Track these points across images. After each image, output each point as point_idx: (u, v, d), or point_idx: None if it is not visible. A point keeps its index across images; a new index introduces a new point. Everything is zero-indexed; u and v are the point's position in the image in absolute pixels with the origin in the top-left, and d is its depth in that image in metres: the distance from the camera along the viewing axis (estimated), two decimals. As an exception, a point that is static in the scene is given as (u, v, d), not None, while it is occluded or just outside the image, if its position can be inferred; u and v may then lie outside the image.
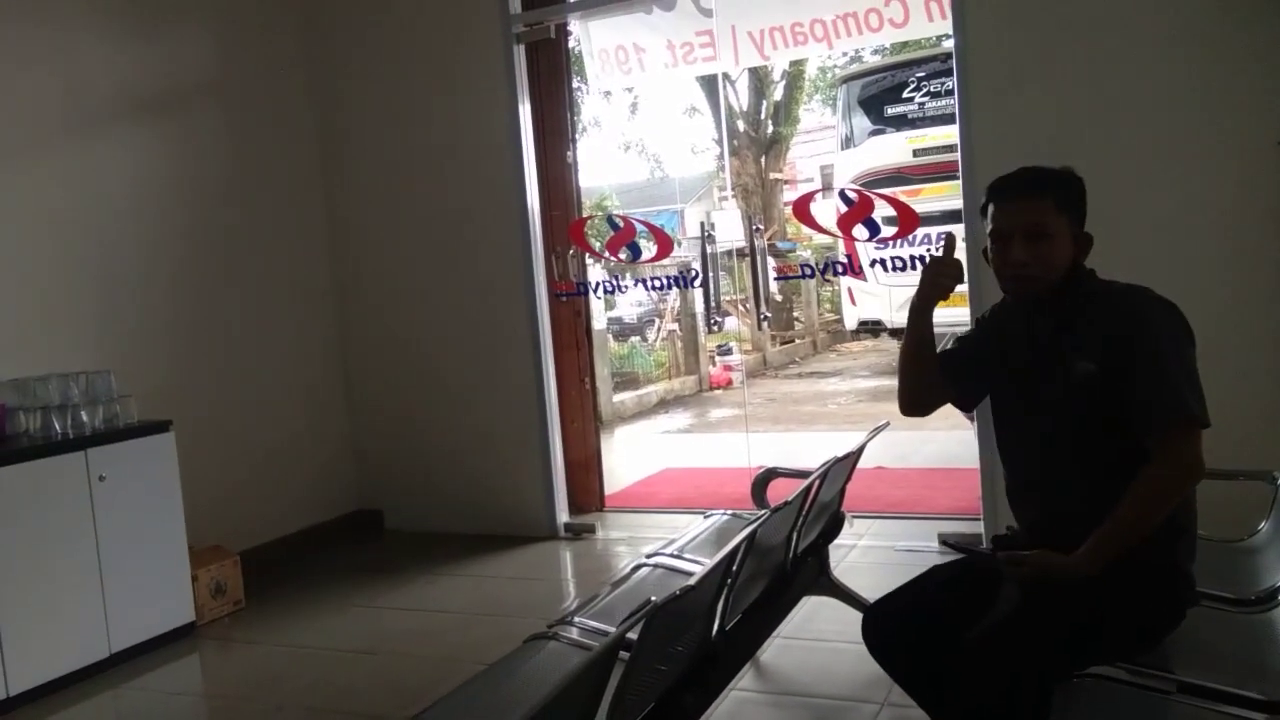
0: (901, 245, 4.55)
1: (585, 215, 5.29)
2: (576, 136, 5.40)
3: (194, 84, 4.69)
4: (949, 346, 2.32)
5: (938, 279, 2.17)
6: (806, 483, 2.73)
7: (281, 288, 5.05)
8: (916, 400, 2.28)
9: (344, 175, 5.30)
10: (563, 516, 5.04)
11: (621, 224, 4.87)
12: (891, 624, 2.13)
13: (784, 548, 2.85)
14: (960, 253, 4.20)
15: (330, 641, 3.80)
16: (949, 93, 9.97)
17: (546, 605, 3.88)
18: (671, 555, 2.98)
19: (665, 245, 4.93)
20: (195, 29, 4.70)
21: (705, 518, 3.46)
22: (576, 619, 2.49)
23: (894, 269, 4.37)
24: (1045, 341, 2.06)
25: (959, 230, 4.29)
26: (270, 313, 4.97)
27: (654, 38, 5.64)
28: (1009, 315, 2.19)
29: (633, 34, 5.59)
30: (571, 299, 5.15)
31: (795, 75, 16.68)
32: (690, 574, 2.84)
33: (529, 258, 4.94)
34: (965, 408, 2.35)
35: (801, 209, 4.59)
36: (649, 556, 2.99)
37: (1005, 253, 2.03)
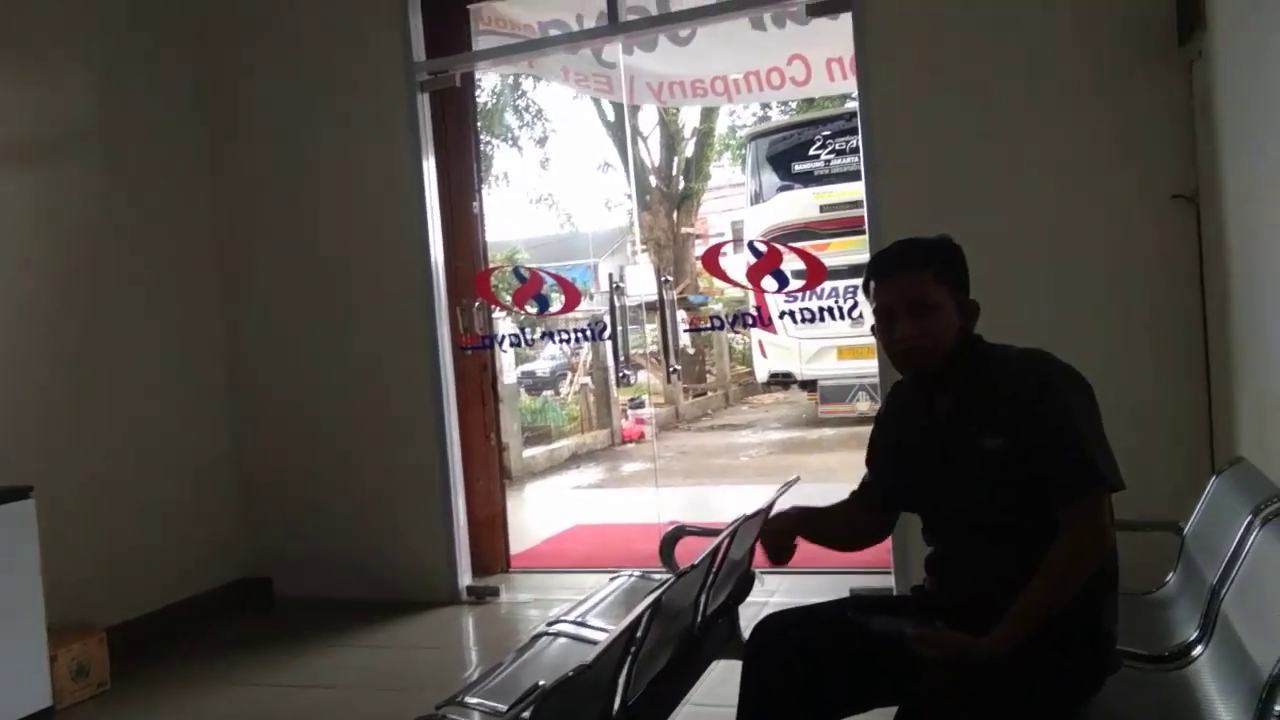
0: (810, 298, 4.53)
1: (492, 267, 5.15)
2: (483, 186, 5.29)
3: (75, 126, 4.42)
4: (865, 476, 2.29)
5: (769, 540, 2.19)
6: (715, 542, 2.60)
7: (166, 340, 4.76)
8: (857, 544, 2.31)
9: (239, 224, 5.06)
10: (465, 579, 4.81)
11: (528, 275, 4.75)
12: (778, 653, 2.08)
13: (692, 611, 2.71)
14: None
15: (205, 724, 3.50)
16: (854, 150, 10.23)
17: (444, 677, 3.65)
18: (574, 622, 2.81)
19: (573, 297, 4.83)
20: (79, 69, 4.45)
21: (612, 580, 3.30)
22: (469, 698, 2.31)
23: (803, 320, 4.35)
24: (948, 419, 2.02)
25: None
26: (152, 367, 4.66)
27: (548, 61, 5.61)
28: (908, 396, 2.16)
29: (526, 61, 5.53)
30: (477, 352, 4.99)
31: (706, 132, 16.99)
32: (594, 642, 2.69)
33: (432, 310, 4.76)
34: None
35: (710, 260, 4.57)
36: (550, 624, 2.81)
37: (892, 329, 2.00)
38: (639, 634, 2.18)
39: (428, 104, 4.76)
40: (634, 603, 2.57)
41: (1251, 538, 2.09)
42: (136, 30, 4.74)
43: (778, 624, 2.14)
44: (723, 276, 4.45)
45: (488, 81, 16.03)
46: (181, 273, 4.89)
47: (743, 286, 4.41)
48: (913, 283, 1.98)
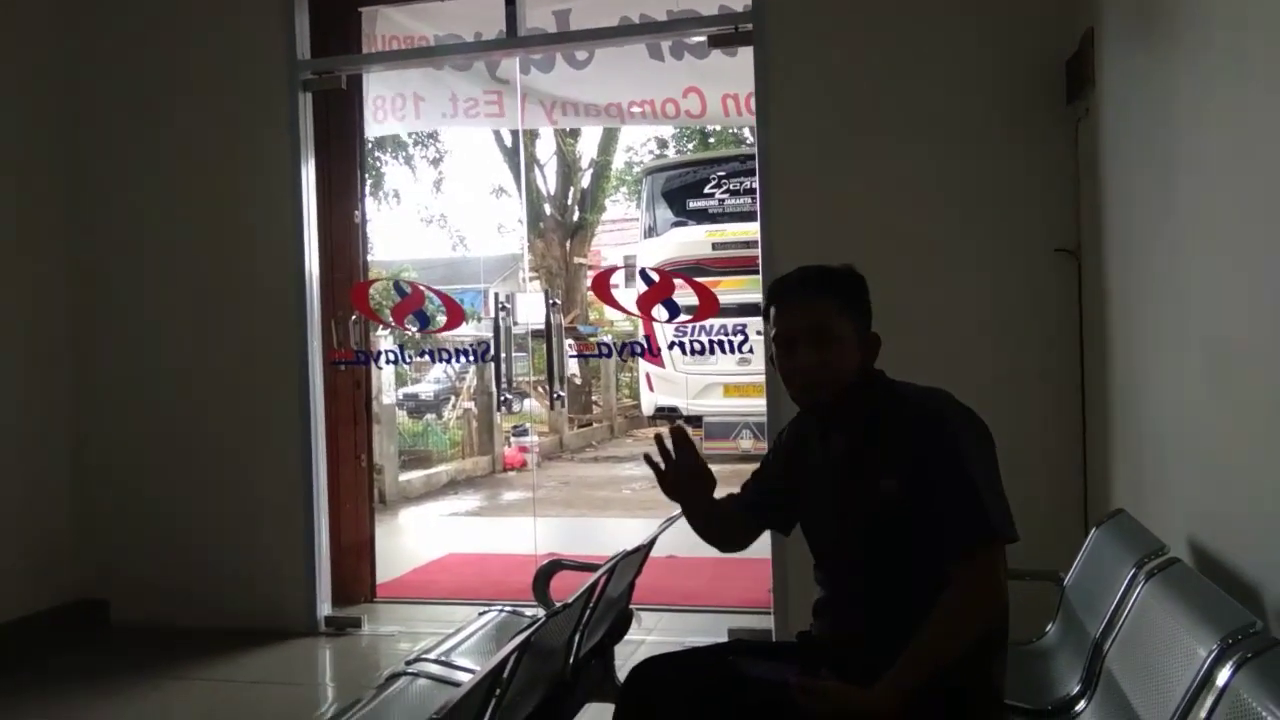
0: (699, 331, 4.46)
1: (371, 279, 4.91)
2: (366, 198, 5.05)
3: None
4: (748, 482, 2.19)
5: (678, 486, 2.04)
6: (592, 579, 2.45)
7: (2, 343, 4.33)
8: (726, 545, 2.19)
9: (93, 216, 4.66)
10: (325, 609, 4.50)
11: (410, 290, 4.53)
12: (655, 699, 1.96)
13: (565, 652, 2.55)
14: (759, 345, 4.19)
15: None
16: (747, 191, 10.38)
17: (293, 716, 3.37)
18: (437, 661, 2.61)
19: (456, 315, 4.63)
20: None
21: (481, 615, 3.11)
22: (312, 745, 2.08)
23: (693, 352, 4.27)
24: (844, 457, 1.94)
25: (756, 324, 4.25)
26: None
27: (437, 89, 5.45)
28: (807, 427, 2.07)
29: (415, 83, 5.38)
30: (351, 368, 4.73)
31: (603, 164, 17.00)
32: (458, 683, 2.49)
33: (304, 321, 4.48)
34: (782, 532, 2.24)
35: (601, 285, 4.46)
36: (409, 663, 2.60)
37: (791, 358, 1.91)
38: (505, 675, 2.02)
39: (310, 104, 4.51)
40: (504, 640, 2.40)
41: (1135, 591, 2.07)
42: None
43: (655, 668, 2.00)
44: (612, 302, 4.35)
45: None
46: (25, 267, 4.47)
47: (632, 314, 4.31)
48: (815, 310, 1.89)
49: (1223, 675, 1.50)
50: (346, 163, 4.82)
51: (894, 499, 1.82)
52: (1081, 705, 2.08)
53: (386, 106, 5.51)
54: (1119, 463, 3.22)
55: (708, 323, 4.43)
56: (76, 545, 4.63)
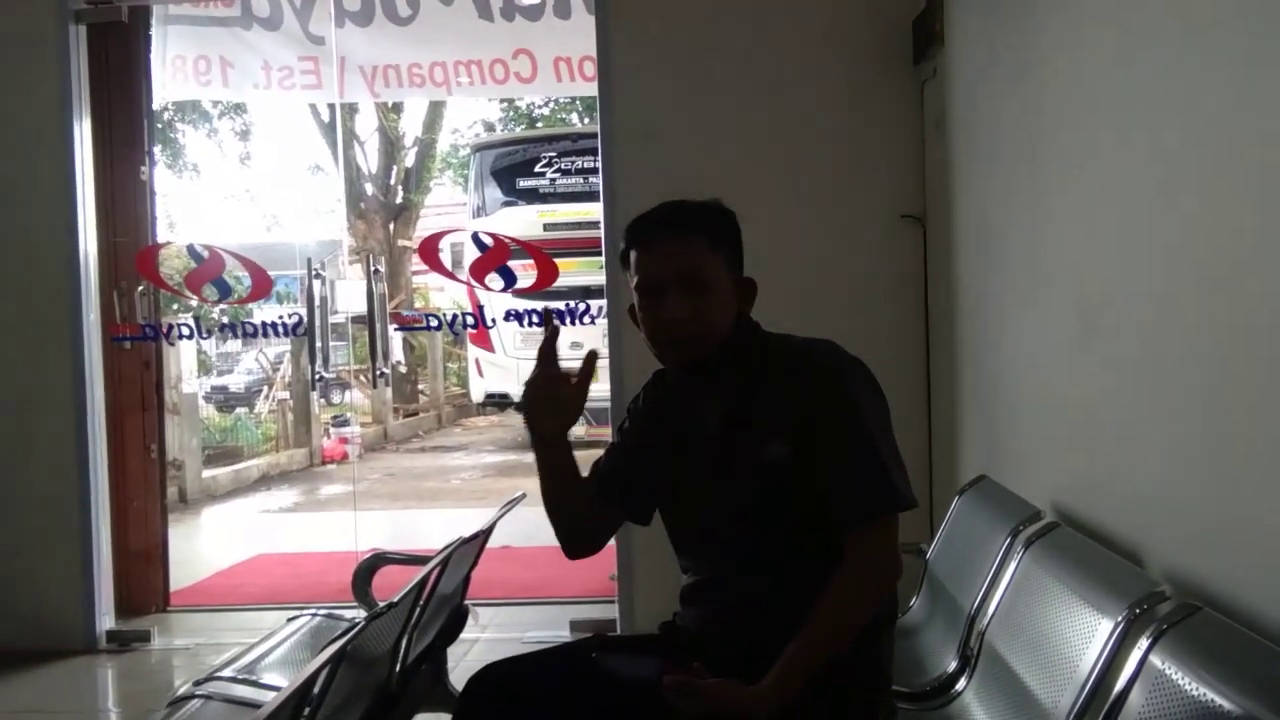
0: (532, 316, 4.16)
1: (160, 243, 4.32)
2: (154, 150, 4.45)
3: None
4: (600, 462, 1.82)
5: (542, 411, 1.67)
6: (423, 573, 2.12)
7: None
8: (580, 540, 1.77)
9: None
10: (107, 622, 3.93)
11: (206, 254, 4.00)
12: (500, 707, 1.65)
13: (391, 657, 2.21)
14: (601, 321, 3.93)
15: None
16: (579, 171, 10.15)
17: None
18: (234, 678, 2.21)
19: (262, 283, 4.12)
20: None
21: (290, 620, 2.72)
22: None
23: (530, 324, 3.97)
24: (721, 421, 1.67)
25: (601, 306, 3.97)
26: None
27: (247, 54, 4.90)
28: (671, 390, 1.78)
29: (221, 45, 4.81)
30: (139, 345, 4.15)
31: (428, 143, 16.34)
32: (259, 705, 2.12)
33: (77, 294, 3.87)
34: (641, 522, 1.83)
35: (429, 251, 4.08)
36: (200, 682, 2.19)
37: (657, 309, 1.62)
38: (316, 691, 1.68)
39: (84, 39, 3.90)
40: (319, 649, 2.04)
41: (1014, 560, 1.94)
42: None
43: (500, 673, 1.70)
44: (442, 270, 3.99)
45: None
46: None
47: (463, 282, 3.97)
48: (683, 251, 1.62)
49: (1139, 647, 1.36)
50: (130, 109, 4.22)
51: (782, 465, 1.58)
52: (962, 684, 1.94)
53: (187, 69, 4.90)
54: (970, 429, 3.16)
55: (539, 304, 4.16)
56: None
